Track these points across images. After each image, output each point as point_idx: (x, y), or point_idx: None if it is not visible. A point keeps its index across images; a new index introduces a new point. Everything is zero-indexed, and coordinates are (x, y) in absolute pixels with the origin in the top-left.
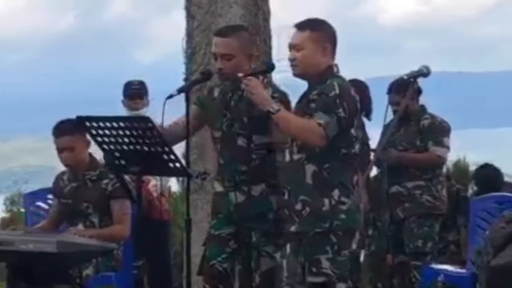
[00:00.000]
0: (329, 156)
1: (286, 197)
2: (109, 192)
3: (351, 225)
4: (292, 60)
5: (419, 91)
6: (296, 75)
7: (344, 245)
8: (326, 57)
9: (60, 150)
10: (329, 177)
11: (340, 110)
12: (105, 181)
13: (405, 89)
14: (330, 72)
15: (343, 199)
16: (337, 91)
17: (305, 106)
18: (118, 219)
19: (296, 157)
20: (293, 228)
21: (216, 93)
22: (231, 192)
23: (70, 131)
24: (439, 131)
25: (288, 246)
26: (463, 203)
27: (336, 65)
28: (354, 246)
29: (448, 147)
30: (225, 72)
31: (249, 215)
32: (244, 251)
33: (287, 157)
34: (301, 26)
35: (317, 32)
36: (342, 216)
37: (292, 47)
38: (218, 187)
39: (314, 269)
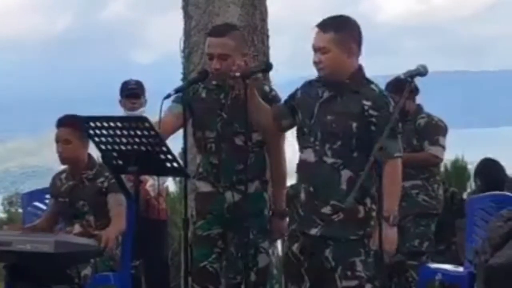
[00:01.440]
0: (365, 163)
1: (303, 197)
2: (105, 188)
3: (373, 228)
4: (317, 63)
5: (416, 91)
6: (322, 77)
7: (370, 247)
8: (352, 58)
9: (57, 141)
10: (365, 184)
11: (399, 126)
12: (101, 179)
13: (402, 88)
14: (362, 74)
15: (373, 206)
16: (392, 103)
17: (352, 113)
18: (116, 211)
19: (329, 160)
20: (314, 231)
21: (203, 94)
22: (227, 191)
23: (69, 124)
24: (435, 131)
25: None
26: (460, 205)
27: (361, 65)
28: (374, 246)
29: (444, 147)
30: (222, 72)
31: (246, 214)
32: (234, 250)
33: (311, 158)
34: (325, 27)
35: (342, 33)
36: (372, 222)
37: (316, 49)
38: (205, 187)
39: (349, 273)
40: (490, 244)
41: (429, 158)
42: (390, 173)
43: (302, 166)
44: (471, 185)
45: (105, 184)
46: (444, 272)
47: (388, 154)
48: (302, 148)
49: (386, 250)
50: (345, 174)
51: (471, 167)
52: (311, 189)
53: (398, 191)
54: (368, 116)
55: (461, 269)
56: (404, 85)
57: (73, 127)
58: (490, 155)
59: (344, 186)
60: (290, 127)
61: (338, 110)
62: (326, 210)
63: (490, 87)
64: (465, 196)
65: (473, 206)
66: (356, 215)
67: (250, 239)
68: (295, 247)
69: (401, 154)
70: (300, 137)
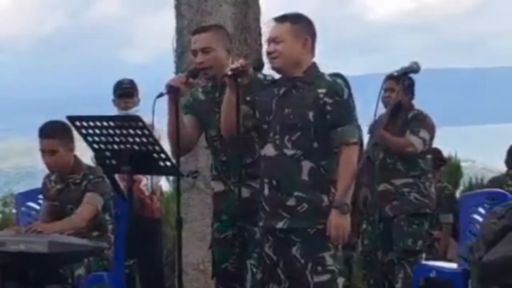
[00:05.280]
0: (325, 154)
1: (267, 192)
2: (85, 186)
3: None
4: (271, 52)
5: (411, 91)
6: (275, 68)
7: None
8: (306, 50)
9: (42, 152)
10: (326, 174)
11: (355, 113)
12: (85, 182)
13: (398, 82)
14: (317, 69)
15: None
16: (347, 90)
17: (308, 103)
18: (80, 209)
19: (289, 152)
20: (280, 225)
21: (201, 96)
22: (237, 187)
23: (53, 134)
24: (419, 123)
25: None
26: (446, 200)
27: (315, 62)
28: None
29: (424, 140)
30: (206, 66)
31: (255, 210)
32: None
33: (271, 152)
34: (281, 19)
35: (298, 25)
36: None
37: (271, 40)
38: (218, 187)
39: (319, 268)
40: (484, 241)
41: (404, 144)
42: (345, 158)
43: (263, 161)
44: (464, 183)
45: (84, 182)
46: (439, 269)
47: (344, 140)
48: (262, 144)
49: (331, 236)
50: (306, 165)
51: (465, 165)
52: (274, 182)
53: (352, 178)
54: (323, 104)
55: (455, 266)
56: (399, 81)
57: (57, 137)
58: (483, 153)
59: (306, 177)
60: (254, 128)
61: (294, 102)
62: (291, 202)
63: (483, 84)
64: (458, 194)
65: (467, 203)
66: (320, 204)
67: (255, 238)
68: (266, 247)
69: (357, 140)
70: (260, 134)
